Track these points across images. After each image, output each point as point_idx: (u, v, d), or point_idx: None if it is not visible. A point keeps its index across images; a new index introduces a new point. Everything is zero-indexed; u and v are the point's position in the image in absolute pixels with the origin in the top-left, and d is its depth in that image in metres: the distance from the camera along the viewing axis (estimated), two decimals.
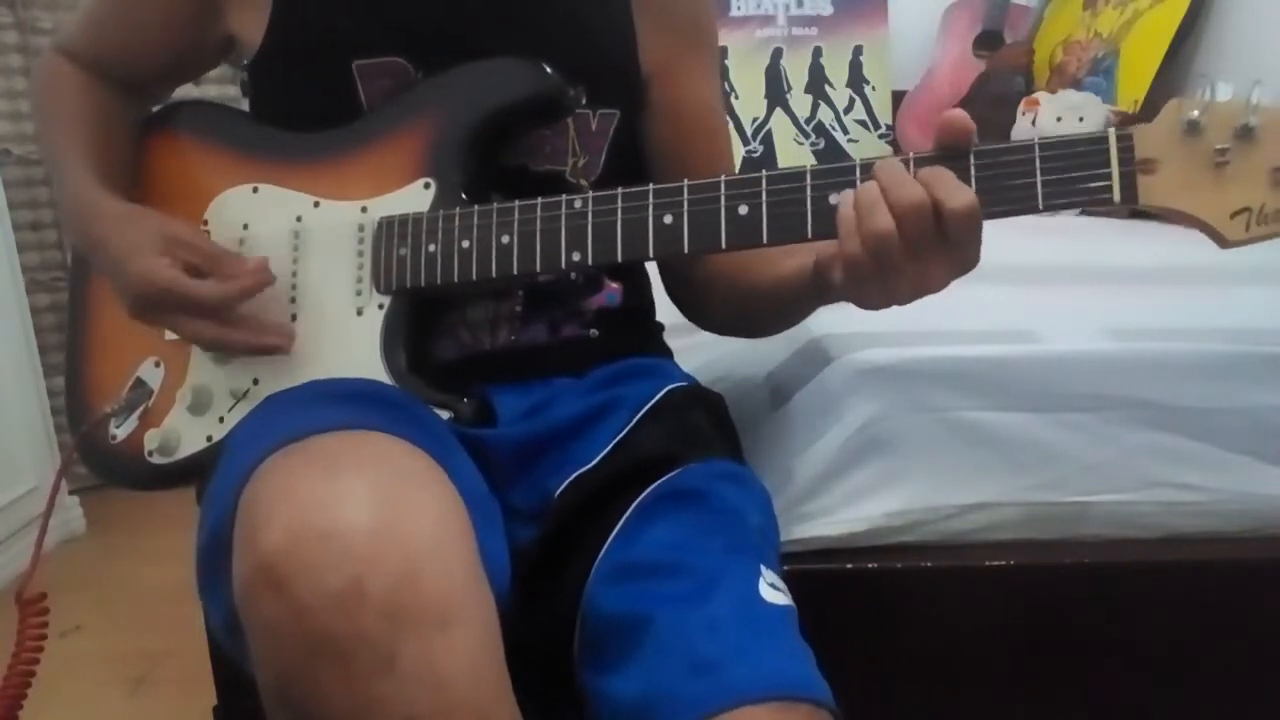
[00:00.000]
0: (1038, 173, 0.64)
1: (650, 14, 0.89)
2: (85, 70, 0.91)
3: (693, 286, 0.93)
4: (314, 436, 0.62)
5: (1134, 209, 0.65)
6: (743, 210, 0.70)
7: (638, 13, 0.89)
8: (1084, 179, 0.64)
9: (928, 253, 0.64)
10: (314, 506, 0.55)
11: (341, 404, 0.69)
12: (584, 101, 0.84)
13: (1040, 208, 0.64)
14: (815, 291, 0.74)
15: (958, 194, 0.63)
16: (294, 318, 0.82)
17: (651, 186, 0.72)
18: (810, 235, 0.69)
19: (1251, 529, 0.97)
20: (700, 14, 0.95)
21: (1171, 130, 0.63)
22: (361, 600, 0.53)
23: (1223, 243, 0.64)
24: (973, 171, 0.65)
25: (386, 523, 0.55)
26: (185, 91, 0.99)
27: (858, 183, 0.67)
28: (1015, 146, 0.65)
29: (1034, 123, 1.92)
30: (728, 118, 2.32)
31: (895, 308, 0.69)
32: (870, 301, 0.69)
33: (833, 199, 0.67)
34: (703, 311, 0.96)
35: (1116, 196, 0.63)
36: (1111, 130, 0.64)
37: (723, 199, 0.70)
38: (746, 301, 0.87)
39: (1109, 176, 0.63)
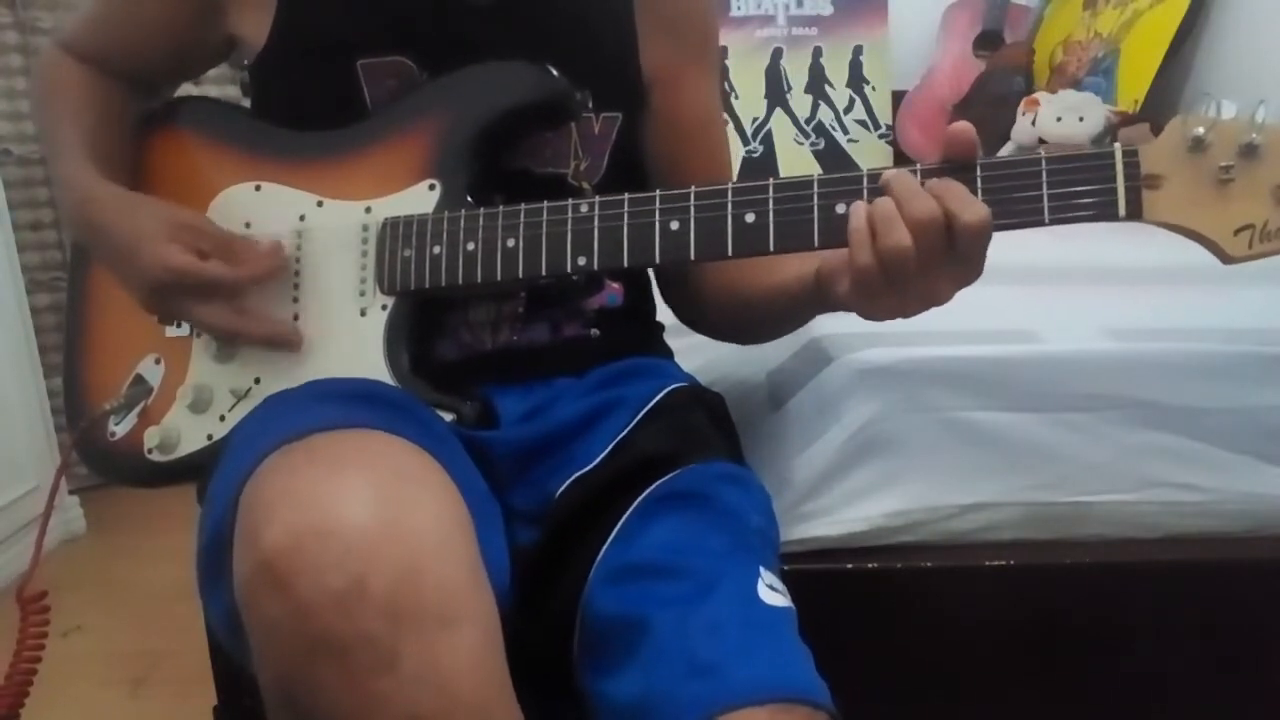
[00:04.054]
0: (1044, 186, 0.65)
1: (653, 20, 0.89)
2: (87, 65, 0.91)
3: (689, 291, 0.93)
4: (315, 435, 0.62)
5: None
6: (749, 218, 0.70)
7: (640, 18, 0.88)
8: (1089, 193, 0.64)
9: (937, 266, 0.65)
10: (315, 505, 0.55)
11: (343, 403, 0.69)
12: (589, 105, 0.84)
13: (1046, 221, 0.65)
14: (816, 300, 0.74)
15: (971, 208, 0.63)
16: (296, 317, 0.82)
17: (658, 193, 0.72)
18: (817, 244, 0.69)
19: (1251, 529, 0.97)
20: (703, 25, 0.94)
21: (1176, 147, 0.64)
22: (363, 599, 0.53)
23: (1225, 259, 0.65)
24: (979, 184, 0.65)
25: (388, 522, 0.55)
26: (184, 91, 0.99)
27: (865, 192, 0.67)
28: (1021, 160, 0.65)
29: (1034, 123, 1.92)
30: (727, 118, 2.34)
31: None
32: (876, 313, 0.69)
33: (840, 209, 0.68)
34: (700, 317, 0.96)
35: (1122, 211, 0.64)
36: (1117, 146, 0.65)
37: (730, 206, 0.70)
38: (743, 308, 0.87)
39: (1114, 192, 0.64)
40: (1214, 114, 0.63)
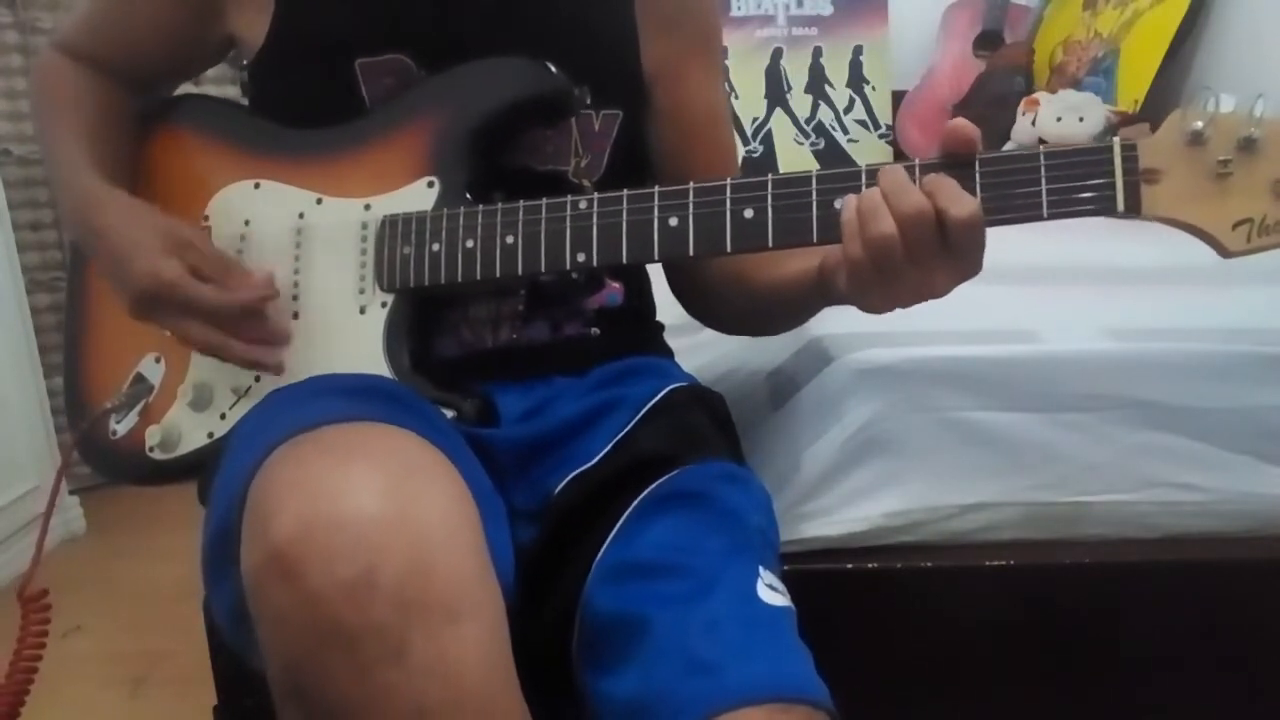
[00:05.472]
0: (1042, 182, 0.64)
1: (654, 16, 0.89)
2: (85, 65, 0.91)
3: (698, 285, 0.94)
4: (324, 427, 0.62)
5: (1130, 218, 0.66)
6: (748, 213, 0.70)
7: (640, 14, 0.88)
8: (1088, 188, 0.64)
9: (930, 259, 0.65)
10: (325, 496, 0.55)
11: (347, 398, 0.69)
12: (588, 101, 0.84)
13: (1044, 216, 0.65)
14: (820, 294, 0.74)
15: (960, 203, 0.63)
16: (296, 315, 0.82)
17: (656, 189, 0.72)
18: (815, 240, 0.69)
19: (1251, 529, 0.97)
20: (704, 20, 0.94)
21: (1175, 141, 0.64)
22: (372, 590, 0.53)
23: (1224, 253, 0.65)
24: (978, 179, 0.65)
25: (398, 513, 0.55)
26: (184, 90, 0.99)
27: (863, 188, 0.67)
28: (1020, 155, 0.65)
29: (1034, 123, 1.92)
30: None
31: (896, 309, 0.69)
32: (873, 305, 0.70)
33: (837, 203, 0.68)
34: (708, 310, 0.96)
35: (1120, 206, 0.64)
36: (1116, 140, 0.64)
37: (728, 202, 0.70)
38: (752, 302, 0.87)
39: (1113, 186, 0.64)
40: (1213, 108, 0.63)
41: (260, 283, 0.81)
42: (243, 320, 0.80)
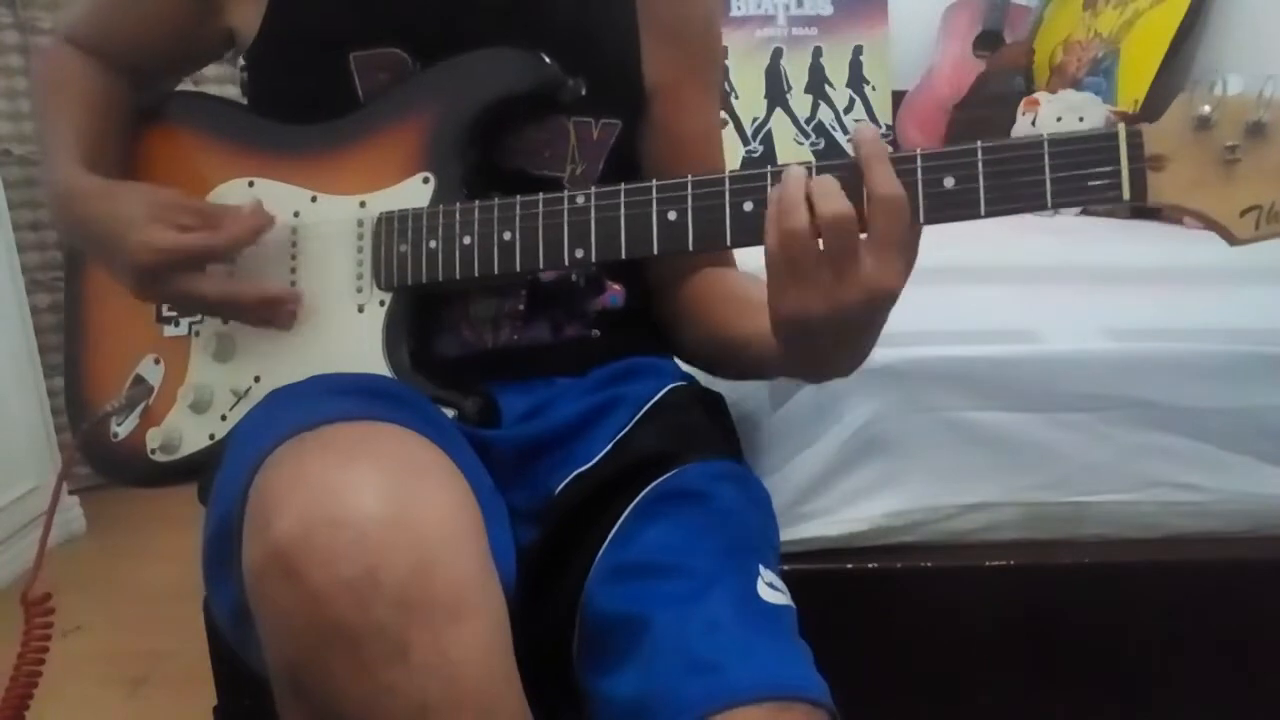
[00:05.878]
0: (1046, 170, 0.63)
1: (656, 29, 0.88)
2: (90, 58, 0.91)
3: (665, 317, 0.93)
4: (326, 426, 0.61)
5: (1136, 206, 0.65)
6: (747, 206, 0.69)
7: (644, 25, 0.88)
8: (1093, 176, 0.63)
9: (846, 260, 0.62)
10: (327, 494, 0.55)
11: (349, 397, 0.69)
12: (583, 92, 0.83)
13: (1049, 205, 0.63)
14: (767, 351, 0.71)
15: (835, 201, 0.61)
16: (294, 314, 0.82)
17: (655, 182, 0.71)
18: None
19: (1251, 529, 0.97)
20: (706, 38, 0.93)
21: (1182, 126, 0.62)
22: (374, 589, 0.53)
23: (1231, 240, 0.63)
24: (980, 168, 0.64)
25: (400, 513, 0.55)
26: (183, 87, 0.99)
27: None
28: (1023, 143, 0.64)
29: (1034, 123, 1.92)
30: (727, 118, 2.33)
31: (894, 311, 0.67)
32: (791, 317, 0.65)
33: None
34: (670, 339, 0.94)
35: (1126, 194, 0.62)
36: (1121, 126, 0.62)
37: (727, 195, 0.69)
38: (708, 345, 0.87)
39: (1118, 174, 0.62)
40: (1220, 91, 0.61)
41: (251, 213, 0.80)
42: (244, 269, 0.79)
